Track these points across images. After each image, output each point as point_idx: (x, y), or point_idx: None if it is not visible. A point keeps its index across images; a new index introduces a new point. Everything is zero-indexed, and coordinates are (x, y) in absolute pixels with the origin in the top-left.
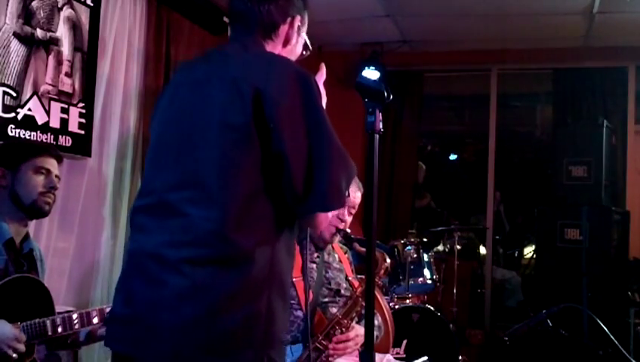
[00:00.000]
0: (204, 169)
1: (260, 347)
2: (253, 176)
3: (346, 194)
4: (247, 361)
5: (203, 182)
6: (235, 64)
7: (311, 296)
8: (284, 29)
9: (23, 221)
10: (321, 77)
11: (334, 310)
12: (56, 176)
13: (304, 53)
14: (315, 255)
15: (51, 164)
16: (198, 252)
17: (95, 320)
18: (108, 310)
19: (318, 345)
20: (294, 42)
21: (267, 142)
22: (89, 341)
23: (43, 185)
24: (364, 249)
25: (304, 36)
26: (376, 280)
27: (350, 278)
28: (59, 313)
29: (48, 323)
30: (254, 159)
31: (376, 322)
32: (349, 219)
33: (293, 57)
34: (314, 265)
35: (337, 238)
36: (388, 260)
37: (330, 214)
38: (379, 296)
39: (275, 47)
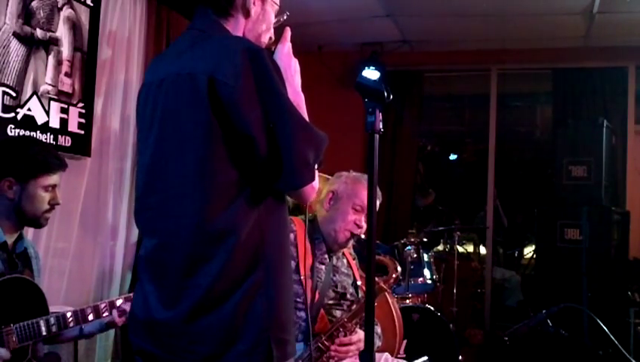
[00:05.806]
0: (180, 169)
1: (264, 327)
2: (226, 163)
3: (316, 166)
4: (250, 343)
5: (180, 181)
6: (188, 58)
7: (317, 296)
8: (238, 0)
9: (17, 226)
10: (285, 41)
11: (338, 313)
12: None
13: (281, 19)
14: (325, 256)
15: (57, 178)
16: (188, 251)
17: (90, 317)
18: (103, 306)
19: (320, 346)
20: (259, 10)
21: (231, 129)
22: (81, 336)
23: (48, 201)
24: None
25: (274, 0)
26: (385, 286)
27: (358, 283)
28: (53, 312)
29: (42, 323)
30: (224, 148)
31: (377, 330)
32: (365, 225)
33: (265, 26)
34: (322, 267)
35: (351, 243)
36: (399, 269)
37: (315, 184)
38: (390, 300)
39: (237, 23)
